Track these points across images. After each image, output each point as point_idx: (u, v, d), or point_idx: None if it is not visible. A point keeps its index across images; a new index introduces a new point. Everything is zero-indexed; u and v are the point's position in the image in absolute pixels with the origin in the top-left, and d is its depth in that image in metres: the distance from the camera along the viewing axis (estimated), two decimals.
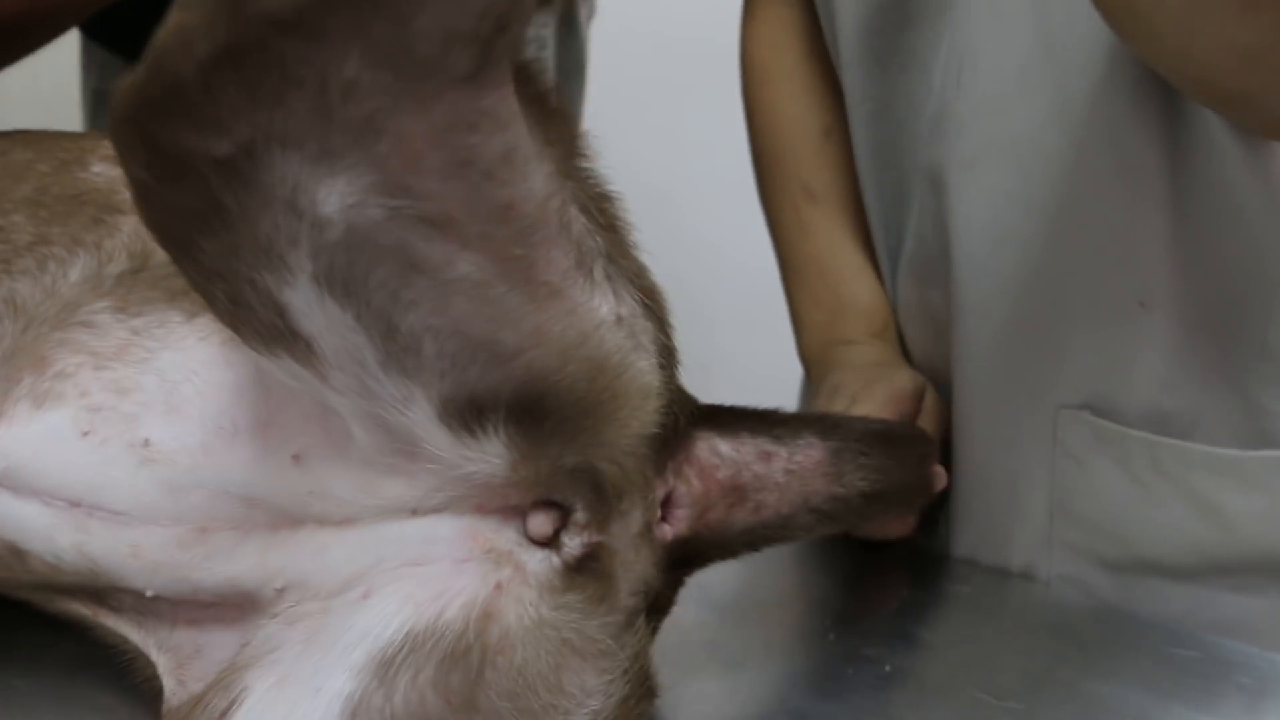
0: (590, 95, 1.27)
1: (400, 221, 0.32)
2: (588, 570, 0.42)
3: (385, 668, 0.38)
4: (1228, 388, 0.60)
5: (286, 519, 0.41)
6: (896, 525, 0.66)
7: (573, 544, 0.42)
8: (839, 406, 0.66)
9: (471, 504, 0.41)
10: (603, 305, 0.39)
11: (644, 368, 0.40)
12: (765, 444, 0.49)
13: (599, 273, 0.39)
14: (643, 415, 0.40)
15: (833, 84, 0.74)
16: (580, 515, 0.42)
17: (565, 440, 0.39)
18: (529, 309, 0.36)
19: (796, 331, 0.79)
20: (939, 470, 0.60)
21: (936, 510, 0.72)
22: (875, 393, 0.66)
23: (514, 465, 0.39)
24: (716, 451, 0.48)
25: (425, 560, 0.41)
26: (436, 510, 0.41)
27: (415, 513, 0.41)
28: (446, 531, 0.41)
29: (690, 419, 0.47)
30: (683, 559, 0.48)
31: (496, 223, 0.34)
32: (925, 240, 0.68)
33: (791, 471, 0.49)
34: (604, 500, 0.41)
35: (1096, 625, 0.59)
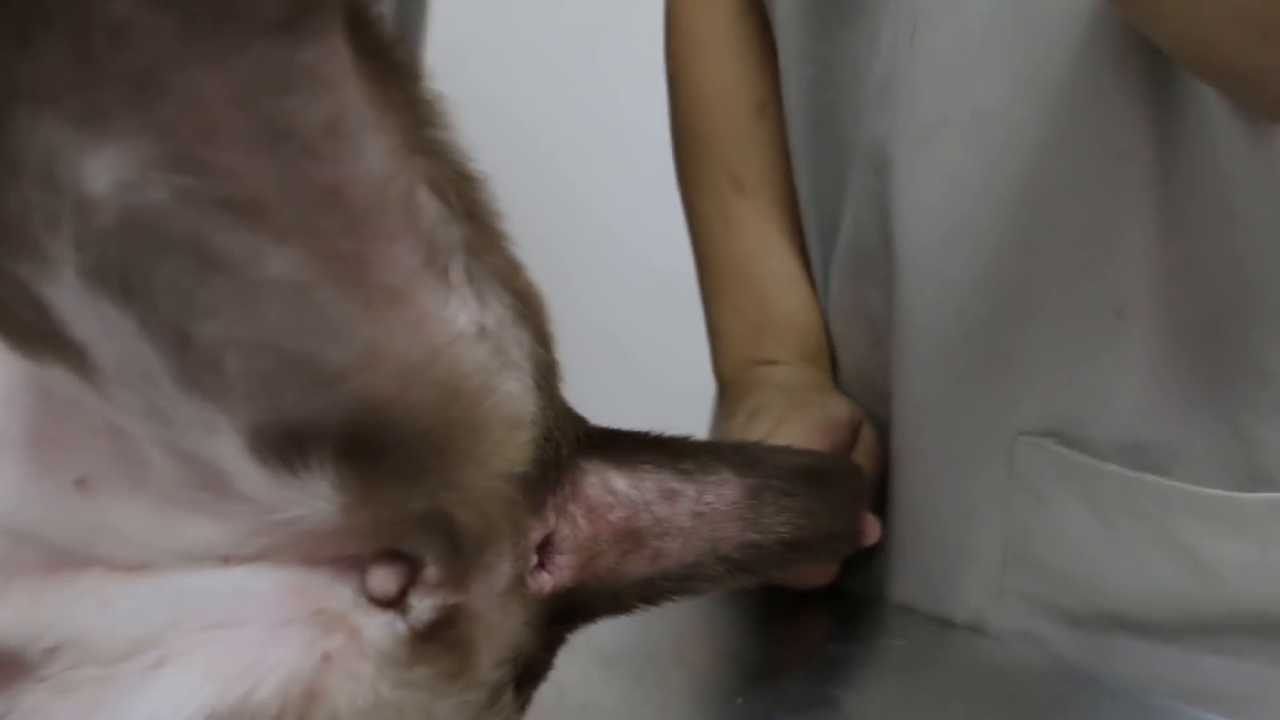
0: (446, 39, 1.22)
1: (192, 206, 0.30)
2: (441, 638, 0.40)
3: None
4: (1216, 416, 0.57)
5: (65, 560, 0.39)
6: (815, 574, 0.65)
7: (422, 606, 0.39)
8: (758, 433, 0.65)
9: (297, 554, 0.38)
10: (460, 314, 0.37)
11: (512, 391, 0.39)
12: (670, 480, 0.48)
13: (456, 273, 0.38)
14: (509, 451, 0.38)
15: (769, 50, 0.72)
16: (431, 571, 0.39)
17: (409, 482, 0.37)
18: (362, 319, 0.34)
19: (712, 342, 0.77)
20: (872, 520, 0.58)
21: (870, 548, 0.69)
22: (804, 417, 0.64)
23: (347, 510, 0.36)
24: (610, 488, 0.48)
25: (235, 622, 0.38)
26: (252, 560, 0.38)
27: (226, 561, 0.38)
28: (264, 587, 0.38)
29: (577, 446, 0.46)
30: (563, 613, 0.47)
31: (319, 210, 0.32)
32: (864, 229, 0.66)
33: (700, 514, 0.49)
34: (461, 553, 0.39)
35: (1054, 688, 0.58)
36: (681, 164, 0.81)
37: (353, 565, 0.39)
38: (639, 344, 1.59)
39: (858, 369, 0.72)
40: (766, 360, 0.72)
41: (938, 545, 0.68)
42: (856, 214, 0.65)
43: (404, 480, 0.38)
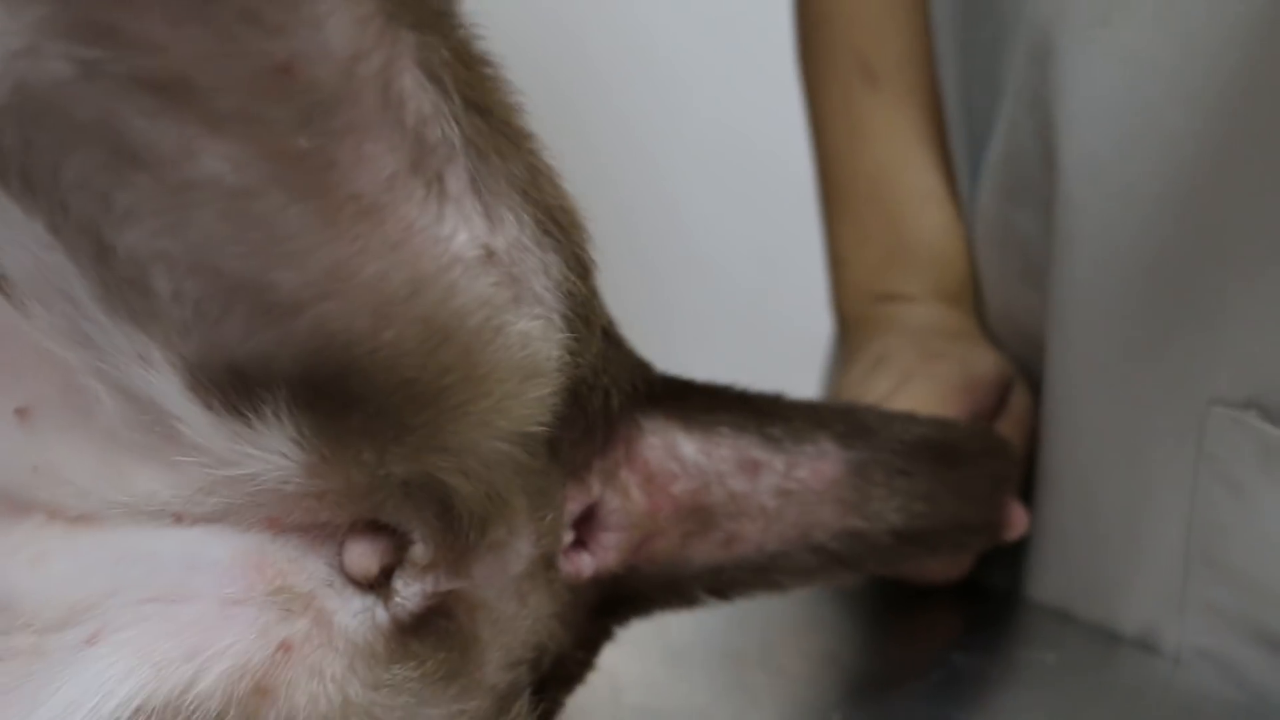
0: None
1: (102, 84, 0.29)
2: (433, 632, 0.38)
3: None
4: None
5: (1, 503, 0.38)
6: (942, 568, 0.61)
7: (409, 592, 0.38)
8: (880, 389, 0.60)
9: (259, 518, 0.37)
10: (458, 232, 0.35)
11: (527, 331, 0.36)
12: (752, 447, 0.46)
13: (455, 180, 0.35)
14: (522, 405, 0.37)
15: None
16: (420, 550, 0.38)
17: (387, 441, 0.35)
18: (321, 236, 0.32)
19: (832, 271, 0.73)
20: (1018, 510, 0.55)
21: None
22: (937, 373, 0.59)
23: (312, 470, 0.35)
24: (675, 452, 0.45)
25: (182, 595, 0.37)
26: (208, 520, 0.37)
27: (178, 520, 0.38)
28: (219, 554, 0.37)
29: (635, 398, 0.44)
30: (610, 603, 0.46)
31: (265, 95, 0.30)
32: (1020, 133, 0.60)
33: (788, 492, 0.46)
34: (457, 528, 0.37)
35: None
36: (803, 49, 0.78)
37: (326, 536, 0.38)
38: (745, 273, 1.57)
39: (1007, 311, 0.67)
40: (896, 295, 0.68)
41: (1101, 539, 0.62)
42: (1012, 114, 0.61)
43: (380, 439, 0.36)
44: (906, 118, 0.70)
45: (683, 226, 1.54)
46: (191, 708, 0.35)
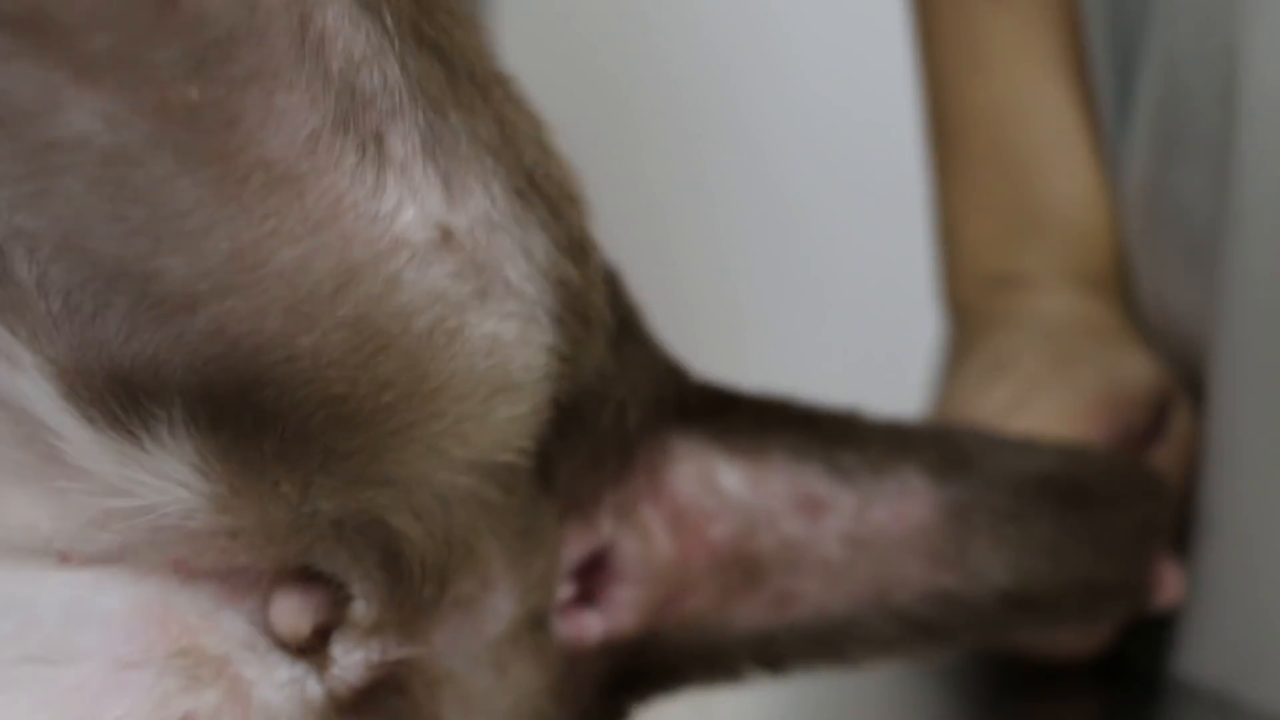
0: None
1: None
2: (380, 711, 0.39)
3: None
4: None
5: None
6: (1072, 640, 0.60)
7: (349, 660, 0.38)
8: (997, 402, 0.60)
9: (164, 559, 0.38)
10: (405, 207, 0.35)
11: (495, 335, 0.37)
12: (815, 480, 0.46)
13: (401, 140, 0.35)
14: (485, 431, 0.37)
15: None
16: (361, 609, 0.38)
17: (310, 471, 0.36)
18: (221, 214, 0.32)
19: (941, 246, 0.73)
20: (1170, 569, 0.54)
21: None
22: (1073, 382, 0.59)
23: (220, 504, 0.36)
24: (713, 484, 0.46)
25: (63, 655, 0.37)
26: (101, 561, 0.38)
27: (64, 559, 0.38)
28: (111, 604, 0.38)
29: (662, 412, 0.45)
30: (626, 676, 0.46)
31: (145, 32, 0.30)
32: (1183, 72, 0.60)
33: (860, 540, 0.46)
34: (407, 583, 0.38)
35: None
36: None
37: (247, 585, 0.38)
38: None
39: (1162, 302, 0.65)
40: (1020, 278, 0.69)
41: (1272, 604, 0.61)
42: (1172, 46, 0.61)
43: (302, 468, 0.36)
44: (1037, 47, 0.69)
45: (752, 198, 1.55)
46: None
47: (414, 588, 0.38)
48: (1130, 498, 0.55)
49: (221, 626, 0.38)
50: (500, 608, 0.41)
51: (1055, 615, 0.52)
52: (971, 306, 0.71)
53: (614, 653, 0.45)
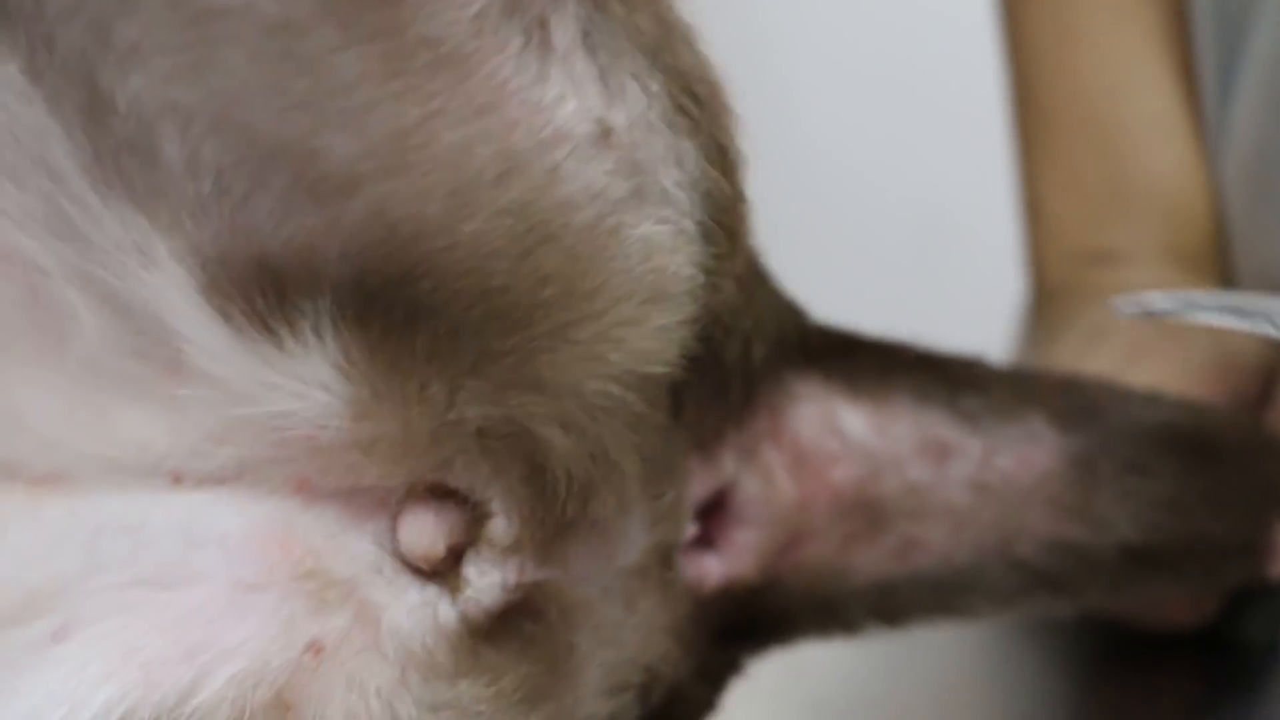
0: None
1: None
2: (515, 636, 0.38)
3: None
4: None
5: None
6: (1179, 609, 0.59)
7: (484, 582, 0.37)
8: (1102, 365, 0.59)
9: (286, 478, 0.37)
10: (567, 99, 0.34)
11: (650, 238, 0.36)
12: (940, 424, 0.46)
13: (563, 30, 0.35)
14: (641, 338, 0.36)
15: None
16: (500, 526, 0.37)
17: (460, 374, 0.35)
18: (386, 90, 0.32)
19: (1030, 223, 0.72)
20: None
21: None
22: (1182, 347, 0.58)
23: (360, 409, 0.35)
24: (836, 427, 0.45)
25: (179, 578, 0.36)
26: (217, 481, 0.37)
27: (177, 481, 0.37)
28: (231, 525, 0.37)
29: (786, 352, 0.44)
30: (741, 626, 0.45)
31: None
32: None
33: (985, 486, 0.45)
34: (551, 499, 0.37)
35: None
36: None
37: (375, 506, 0.37)
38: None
39: (1267, 276, 0.65)
40: (1115, 254, 0.69)
41: None
42: None
43: (453, 369, 0.35)
44: (1133, 16, 0.69)
45: (830, 155, 1.55)
46: None
47: (556, 506, 0.37)
48: (1254, 458, 0.54)
49: (348, 549, 0.38)
50: (633, 535, 0.40)
51: (1176, 573, 0.51)
52: (1061, 283, 0.71)
53: (732, 599, 0.44)
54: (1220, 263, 0.69)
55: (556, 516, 0.38)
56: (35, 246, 0.34)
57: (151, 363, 0.35)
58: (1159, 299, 0.44)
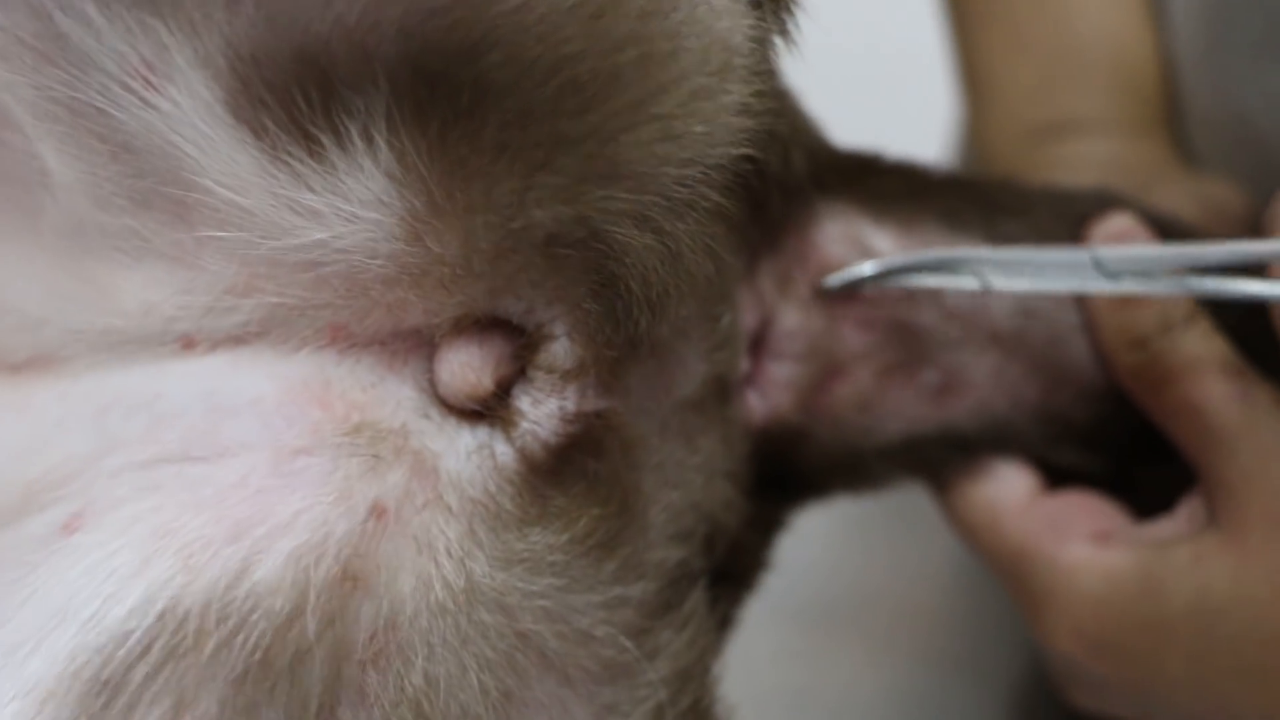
0: None
1: None
2: (578, 476, 0.36)
3: (102, 696, 0.32)
4: None
5: None
6: None
7: (540, 413, 0.36)
8: None
9: (318, 327, 0.35)
10: None
11: (715, 8, 0.34)
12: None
13: None
14: (720, 111, 0.34)
15: None
16: (562, 350, 0.35)
17: (533, 167, 0.32)
18: None
19: (973, 99, 0.70)
20: None
21: None
22: (1162, 198, 0.54)
23: (416, 225, 0.33)
24: (862, 248, 0.44)
25: (212, 451, 0.35)
26: (236, 341, 0.35)
27: (189, 345, 0.35)
28: (261, 387, 0.35)
29: (815, 173, 0.42)
30: (782, 477, 0.44)
31: None
32: None
33: (1029, 310, 0.44)
34: (619, 315, 0.35)
35: None
36: None
37: (412, 348, 0.36)
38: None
39: (1230, 105, 0.63)
40: (1067, 124, 0.63)
41: None
42: None
43: (523, 162, 0.32)
44: None
45: None
46: (246, 609, 0.32)
47: (625, 320, 0.36)
48: None
49: (391, 398, 0.36)
50: (691, 364, 0.38)
51: None
52: (1015, 158, 0.68)
53: (773, 443, 0.43)
54: (1170, 126, 0.66)
55: (623, 335, 0.36)
56: (14, 81, 0.32)
57: (154, 209, 0.33)
58: (867, 267, 0.43)
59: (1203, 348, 0.43)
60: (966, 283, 0.41)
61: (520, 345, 0.36)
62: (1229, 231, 0.54)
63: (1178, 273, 0.41)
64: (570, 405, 0.36)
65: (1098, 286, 0.40)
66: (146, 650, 0.32)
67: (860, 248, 0.43)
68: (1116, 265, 0.40)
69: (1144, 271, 0.40)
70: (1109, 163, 0.63)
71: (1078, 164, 0.63)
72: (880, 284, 0.42)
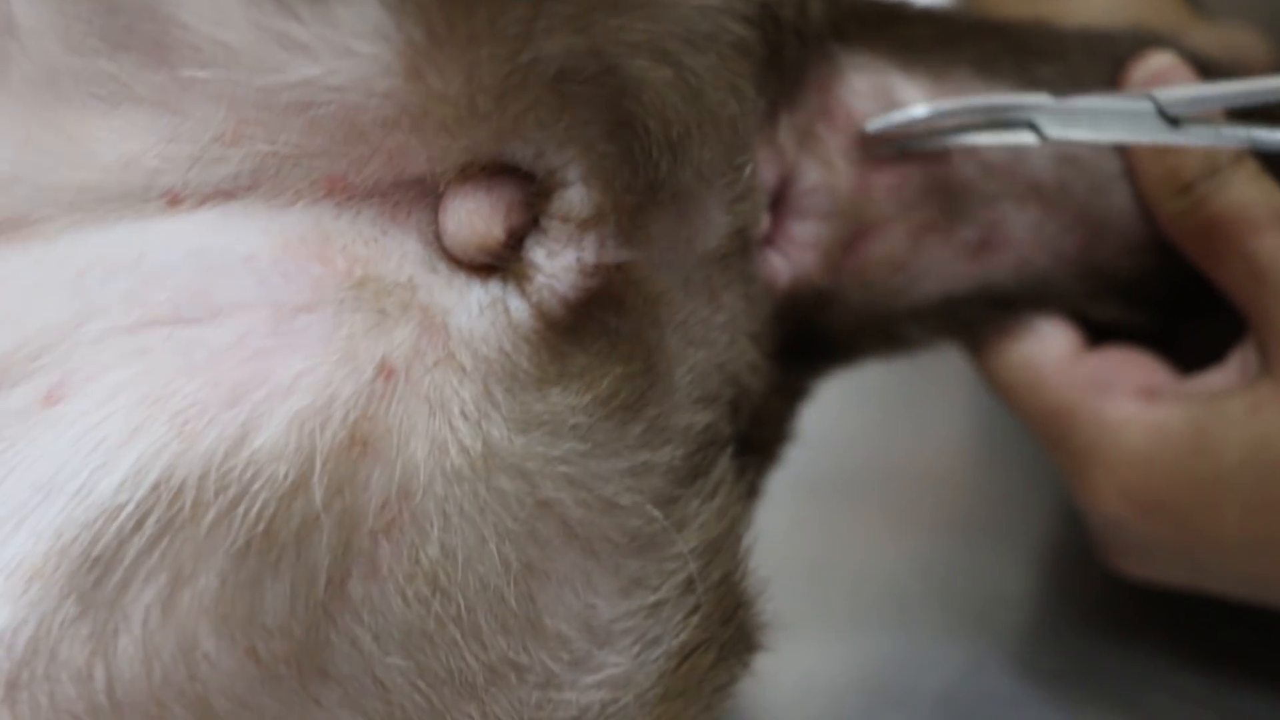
0: None
1: None
2: (599, 332, 0.35)
3: (93, 573, 0.32)
4: None
5: None
6: None
7: (556, 265, 0.35)
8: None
9: (314, 178, 0.34)
10: None
11: None
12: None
13: None
14: None
15: None
16: (577, 196, 0.34)
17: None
18: None
19: None
20: None
21: None
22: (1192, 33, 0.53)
23: (418, 60, 0.32)
24: (890, 101, 0.43)
25: (204, 311, 0.34)
26: (226, 195, 0.34)
27: (175, 202, 0.34)
28: (254, 243, 0.34)
29: (835, 18, 0.41)
30: (808, 342, 0.43)
31: None
32: None
33: (1072, 158, 0.42)
34: (637, 158, 0.34)
35: None
36: None
37: (415, 198, 0.35)
38: None
39: None
40: None
41: None
42: None
43: None
44: None
45: None
46: (247, 478, 0.31)
47: (644, 165, 0.35)
48: None
49: (395, 251, 0.35)
50: (713, 215, 0.37)
51: None
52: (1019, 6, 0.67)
53: (799, 307, 0.42)
54: None
55: (642, 180, 0.35)
56: None
57: (131, 50, 0.32)
58: (918, 110, 0.42)
59: (1251, 191, 0.42)
60: (1023, 137, 0.40)
61: (532, 193, 0.35)
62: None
63: (1236, 119, 0.40)
64: (588, 257, 0.35)
65: (1160, 136, 0.39)
66: (140, 524, 0.32)
67: (889, 100, 0.42)
68: (1178, 109, 0.39)
69: (1205, 116, 0.39)
70: (1117, 10, 0.62)
71: (1084, 12, 0.62)
72: (927, 144, 0.41)
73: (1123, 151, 0.43)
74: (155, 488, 0.31)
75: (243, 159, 0.33)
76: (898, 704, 0.50)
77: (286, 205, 0.34)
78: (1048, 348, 0.44)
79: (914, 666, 0.52)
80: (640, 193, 0.35)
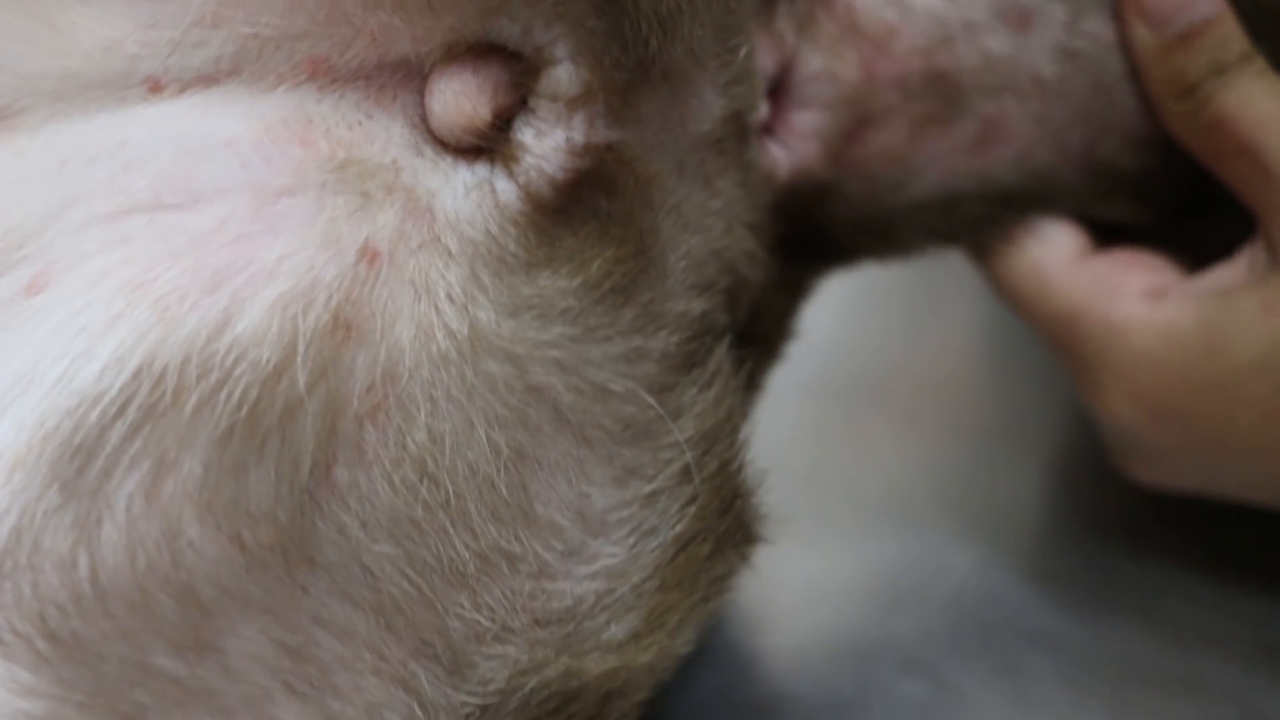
0: None
1: None
2: (589, 214, 0.35)
3: (76, 461, 0.31)
4: None
5: None
6: None
7: (545, 146, 0.34)
8: None
9: (296, 62, 0.34)
10: None
11: None
12: None
13: None
14: None
15: None
16: (565, 74, 0.34)
17: None
18: None
19: None
20: None
21: None
22: None
23: None
24: None
25: (185, 196, 0.33)
26: (208, 81, 0.34)
27: (156, 89, 0.34)
28: (236, 127, 0.34)
29: None
30: (808, 239, 0.43)
31: None
32: None
33: (1075, 53, 0.42)
34: (626, 35, 0.34)
35: None
36: None
37: (402, 80, 0.35)
38: None
39: None
40: None
41: None
42: None
43: None
44: None
45: None
46: (229, 362, 0.31)
47: (634, 40, 0.34)
48: None
49: (379, 134, 0.35)
50: (707, 97, 0.37)
51: None
52: None
53: (800, 200, 0.41)
54: None
55: (633, 57, 0.34)
56: None
57: None
58: None
59: (1257, 89, 0.41)
60: None
61: (519, 72, 0.34)
62: None
63: None
64: (578, 137, 0.34)
65: None
66: (122, 410, 0.31)
67: None
68: None
69: None
70: None
71: None
72: None
73: (1127, 51, 0.42)
74: (137, 374, 0.31)
75: (224, 42, 0.33)
76: (906, 608, 0.50)
77: (269, 89, 0.34)
78: (1053, 251, 0.43)
79: (922, 570, 0.52)
80: (630, 70, 0.34)
